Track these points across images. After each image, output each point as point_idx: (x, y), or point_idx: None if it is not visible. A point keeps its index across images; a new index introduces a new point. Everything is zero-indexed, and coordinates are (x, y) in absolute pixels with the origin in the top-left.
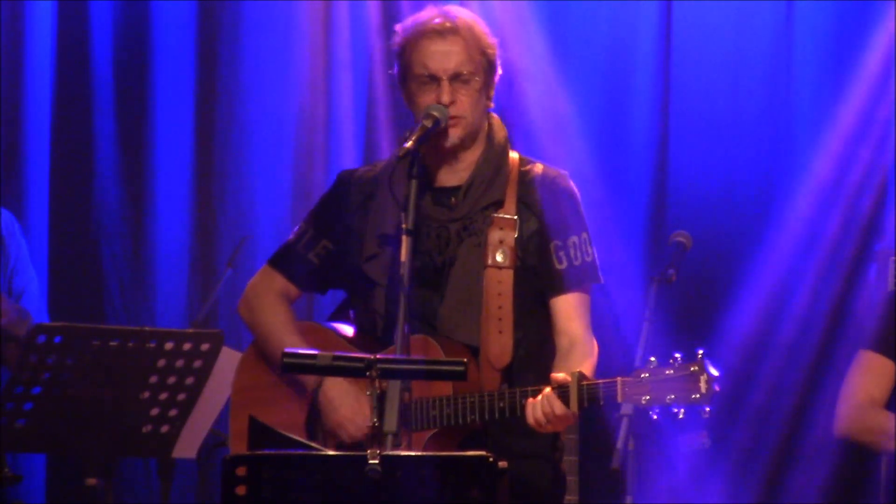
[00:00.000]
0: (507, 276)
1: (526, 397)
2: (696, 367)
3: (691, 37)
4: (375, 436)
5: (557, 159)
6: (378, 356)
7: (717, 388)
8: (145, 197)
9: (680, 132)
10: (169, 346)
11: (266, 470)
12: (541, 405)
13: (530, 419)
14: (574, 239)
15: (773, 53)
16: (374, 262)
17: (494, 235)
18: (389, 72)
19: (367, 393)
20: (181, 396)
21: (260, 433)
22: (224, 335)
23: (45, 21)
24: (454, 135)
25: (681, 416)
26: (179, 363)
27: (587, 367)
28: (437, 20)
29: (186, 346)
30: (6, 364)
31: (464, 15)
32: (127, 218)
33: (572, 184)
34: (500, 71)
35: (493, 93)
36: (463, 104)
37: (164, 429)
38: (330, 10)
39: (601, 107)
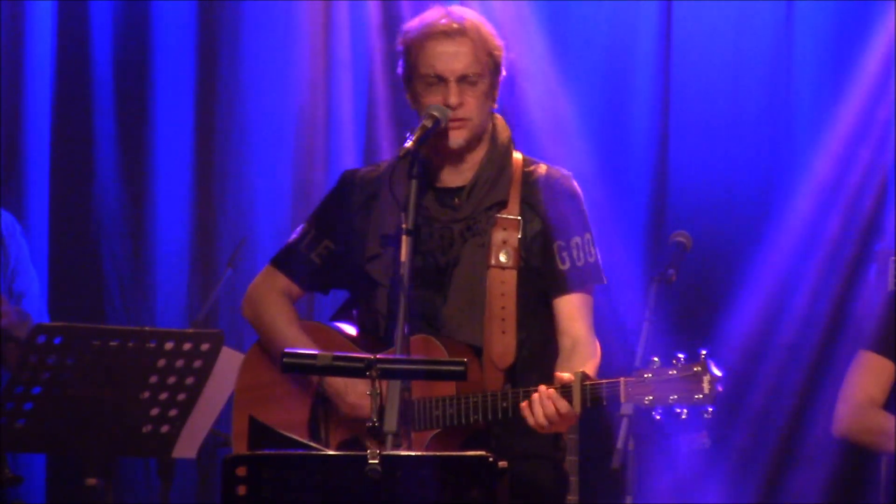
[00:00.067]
0: (511, 277)
1: (529, 397)
2: (700, 368)
3: (691, 37)
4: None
5: (557, 159)
6: (378, 356)
7: (720, 388)
8: (145, 197)
9: (680, 132)
10: (169, 346)
11: (266, 470)
12: (543, 405)
13: (530, 420)
14: (577, 240)
15: (773, 53)
16: (376, 263)
17: (498, 236)
18: (395, 72)
19: (367, 393)
20: (181, 396)
21: (259, 433)
22: (224, 335)
23: (45, 21)
24: (460, 136)
25: (684, 416)
26: (179, 363)
27: (590, 367)
28: (444, 21)
29: (186, 346)
30: (6, 364)
31: (471, 16)
32: (127, 218)
33: (576, 184)
34: (504, 72)
35: (497, 94)
36: (470, 106)
37: (164, 429)
38: (330, 10)
39: (601, 107)
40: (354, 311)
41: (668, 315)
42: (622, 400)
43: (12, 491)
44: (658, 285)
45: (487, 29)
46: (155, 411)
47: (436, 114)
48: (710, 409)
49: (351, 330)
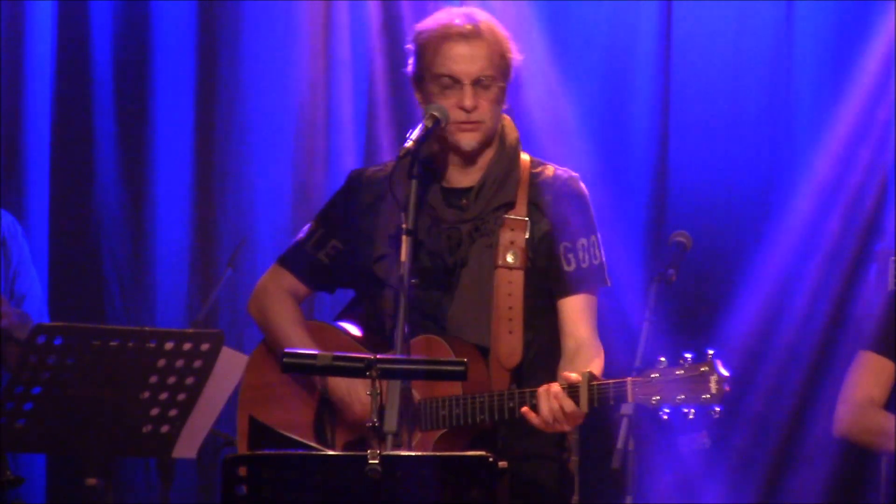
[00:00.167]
0: (518, 277)
1: (536, 397)
2: (707, 368)
3: (691, 37)
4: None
5: (557, 159)
6: (378, 356)
7: (727, 388)
8: (145, 197)
9: (680, 132)
10: (169, 346)
11: (266, 470)
12: (550, 402)
13: (535, 420)
14: (583, 241)
15: (773, 53)
16: (383, 263)
17: (506, 236)
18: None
19: (367, 393)
20: (181, 396)
21: (259, 433)
22: (224, 335)
23: (45, 21)
24: (473, 139)
25: (691, 416)
26: (179, 363)
27: (594, 369)
28: (461, 22)
29: (186, 346)
30: (6, 365)
31: (485, 18)
32: (127, 218)
33: (583, 186)
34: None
35: (506, 95)
36: (483, 109)
37: (164, 429)
38: (330, 10)
39: (601, 107)
40: (359, 311)
41: (668, 315)
42: (629, 400)
43: (12, 491)
44: (658, 285)
45: (502, 32)
46: (155, 411)
47: (436, 114)
48: (718, 409)
49: (355, 330)
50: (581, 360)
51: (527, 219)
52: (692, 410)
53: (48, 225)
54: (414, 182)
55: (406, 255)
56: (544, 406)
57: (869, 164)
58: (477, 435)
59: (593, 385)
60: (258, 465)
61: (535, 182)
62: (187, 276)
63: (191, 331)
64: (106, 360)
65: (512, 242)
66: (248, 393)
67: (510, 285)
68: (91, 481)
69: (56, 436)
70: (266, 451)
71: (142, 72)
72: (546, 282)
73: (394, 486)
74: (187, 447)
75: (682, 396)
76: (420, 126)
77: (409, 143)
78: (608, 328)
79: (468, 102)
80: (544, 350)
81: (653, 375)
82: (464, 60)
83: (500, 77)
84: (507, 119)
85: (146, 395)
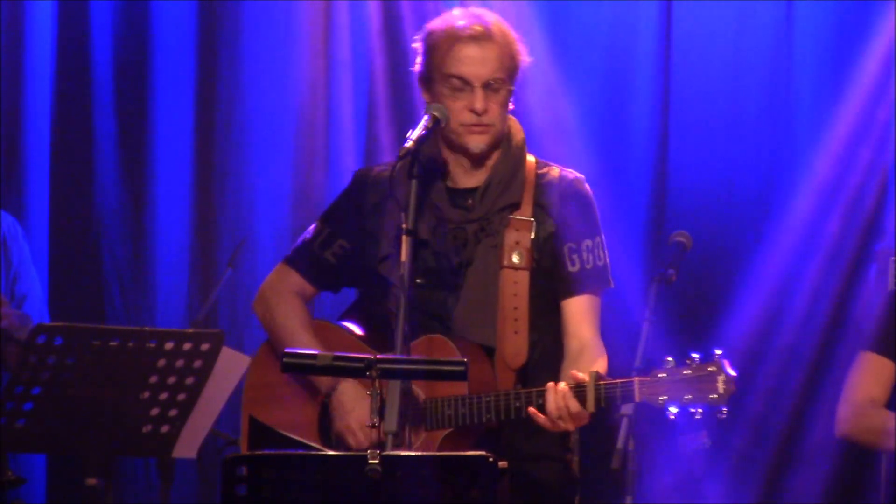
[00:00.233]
0: (523, 277)
1: (542, 397)
2: (714, 368)
3: (691, 37)
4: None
5: (557, 159)
6: (378, 356)
7: (734, 388)
8: (145, 197)
9: (680, 132)
10: (169, 346)
11: (266, 470)
12: (556, 400)
13: (539, 418)
14: (588, 242)
15: (773, 53)
16: (387, 263)
17: (511, 237)
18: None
19: (368, 393)
20: (181, 396)
21: (259, 433)
22: (224, 335)
23: (45, 21)
24: (482, 142)
25: (698, 416)
26: (179, 363)
27: (598, 369)
28: (472, 23)
29: (186, 346)
30: (6, 365)
31: (496, 20)
32: (127, 218)
33: (588, 188)
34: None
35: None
36: (493, 112)
37: (164, 429)
38: (330, 11)
39: (601, 107)
40: (363, 311)
41: (668, 315)
42: (636, 399)
43: (12, 491)
44: (658, 285)
45: (512, 34)
46: (155, 411)
47: (436, 114)
48: (725, 410)
49: (359, 330)
50: (585, 361)
51: (532, 219)
52: (700, 410)
53: (48, 225)
54: (414, 182)
55: (406, 255)
56: (551, 401)
57: (869, 164)
58: (483, 435)
59: (600, 384)
60: (258, 465)
61: (541, 183)
62: (187, 276)
63: (191, 331)
64: (106, 360)
65: (517, 243)
66: (250, 393)
67: (516, 285)
68: (91, 481)
69: (56, 436)
70: (266, 451)
71: (142, 72)
72: (551, 282)
73: (394, 486)
74: (187, 447)
75: (690, 396)
76: (420, 126)
77: (409, 143)
78: (608, 328)
79: (479, 105)
80: (549, 350)
81: (660, 375)
82: (474, 63)
83: (508, 80)
84: (513, 120)
85: (146, 395)
